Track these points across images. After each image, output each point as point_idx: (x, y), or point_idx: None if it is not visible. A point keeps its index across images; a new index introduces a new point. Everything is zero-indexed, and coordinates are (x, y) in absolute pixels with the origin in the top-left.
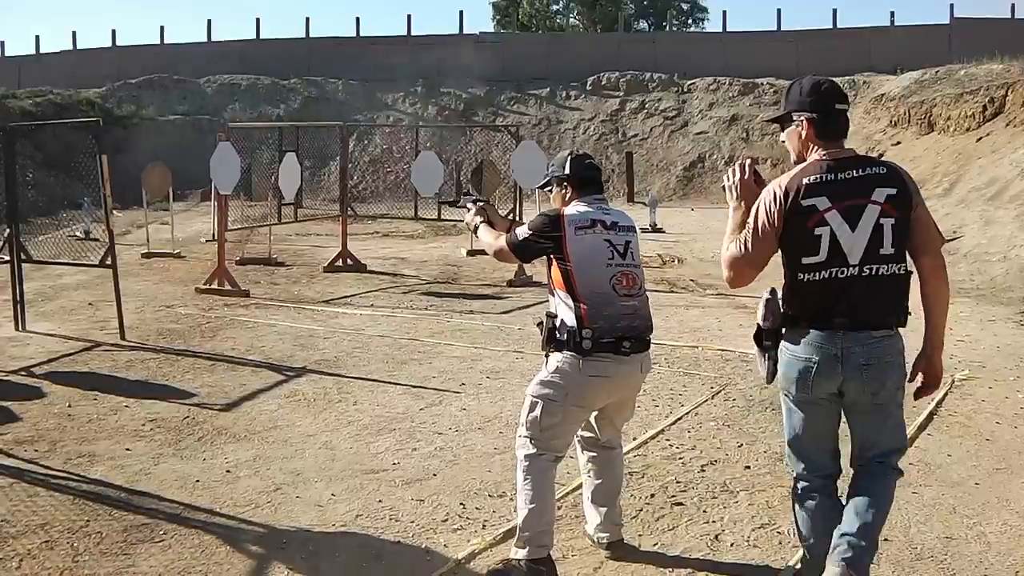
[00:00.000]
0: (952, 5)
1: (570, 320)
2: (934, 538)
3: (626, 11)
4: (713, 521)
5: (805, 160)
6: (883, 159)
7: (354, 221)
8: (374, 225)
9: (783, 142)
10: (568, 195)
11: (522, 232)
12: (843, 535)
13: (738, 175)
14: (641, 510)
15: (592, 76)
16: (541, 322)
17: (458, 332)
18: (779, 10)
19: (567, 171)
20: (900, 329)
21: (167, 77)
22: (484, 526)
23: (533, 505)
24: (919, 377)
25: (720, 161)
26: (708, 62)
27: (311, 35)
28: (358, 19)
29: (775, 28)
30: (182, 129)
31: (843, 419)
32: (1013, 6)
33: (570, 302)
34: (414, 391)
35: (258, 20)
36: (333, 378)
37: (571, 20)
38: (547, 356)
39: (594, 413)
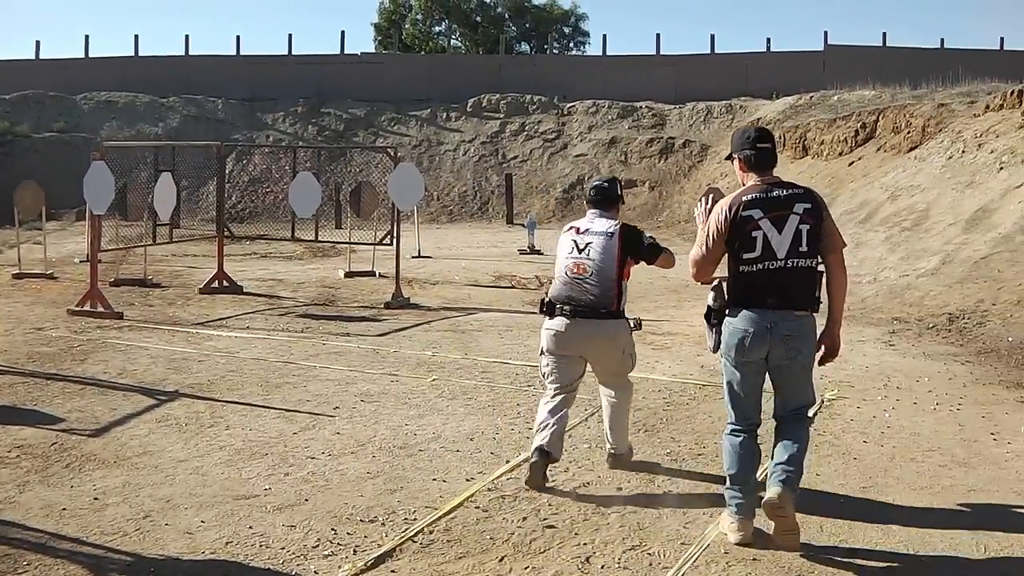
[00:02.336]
0: (826, 32)
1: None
2: (802, 556)
3: (508, 34)
4: (584, 543)
5: (745, 184)
6: (797, 183)
7: (232, 242)
8: (252, 246)
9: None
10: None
11: None
12: (777, 465)
13: (705, 204)
14: (513, 533)
15: (473, 98)
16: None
17: (334, 355)
18: (658, 35)
19: (588, 194)
20: (814, 314)
21: (42, 93)
22: (355, 551)
23: (540, 417)
24: (822, 348)
25: None
26: (588, 85)
27: (191, 53)
28: (238, 37)
29: (654, 52)
30: (57, 147)
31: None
32: (884, 34)
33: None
34: (288, 415)
35: (136, 37)
36: (206, 402)
37: (453, 42)
38: None
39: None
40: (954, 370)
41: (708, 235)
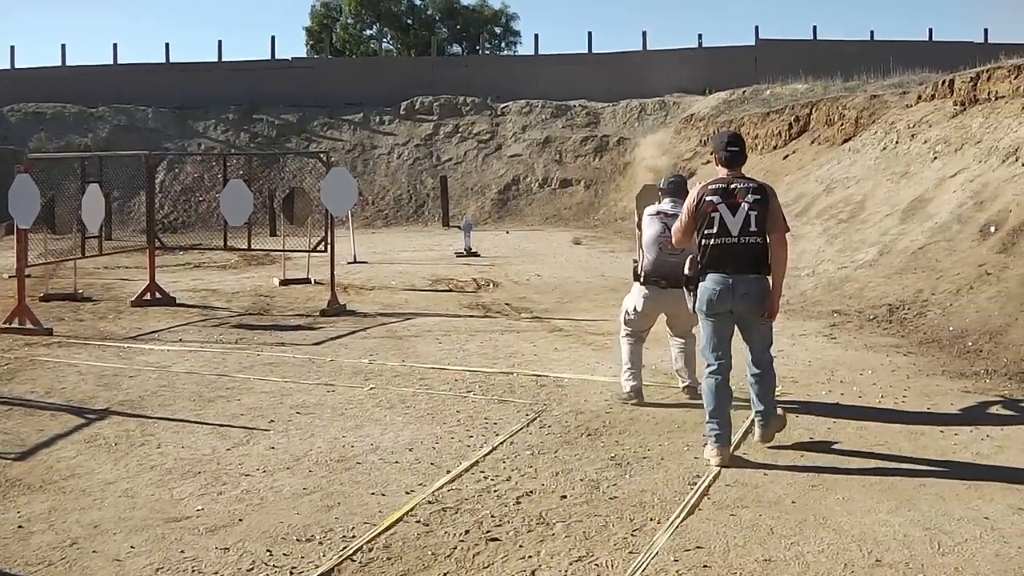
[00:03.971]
0: (757, 27)
1: (639, 263)
2: (753, 561)
3: (439, 36)
4: (530, 556)
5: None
6: (755, 179)
7: (164, 253)
8: (186, 256)
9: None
10: (662, 198)
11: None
12: (757, 413)
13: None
14: (455, 548)
15: (406, 101)
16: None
17: (268, 366)
18: (590, 33)
19: (661, 185)
20: (766, 277)
21: None
22: (292, 573)
23: (630, 360)
24: (764, 312)
25: (535, 183)
26: (521, 85)
27: (119, 61)
28: (167, 45)
29: (587, 51)
30: None
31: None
32: (815, 28)
33: (640, 254)
34: (221, 430)
35: (63, 47)
36: (137, 419)
37: (385, 45)
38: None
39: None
40: (897, 361)
41: (684, 213)
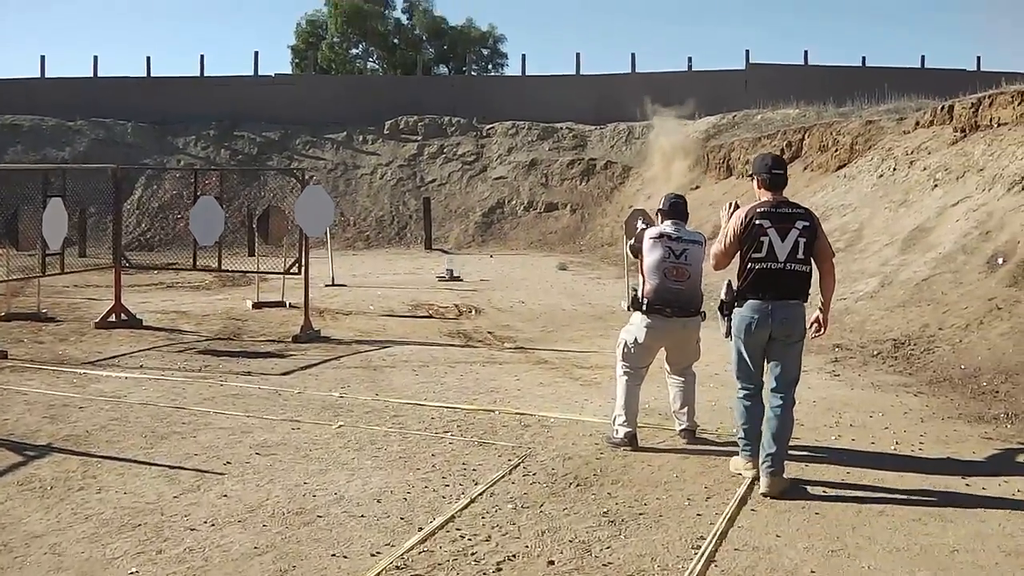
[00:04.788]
0: (747, 51)
1: (640, 291)
2: None
3: (425, 56)
4: None
5: (760, 199)
6: (800, 204)
7: (135, 271)
8: (159, 275)
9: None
10: (661, 219)
11: (631, 242)
12: (767, 455)
13: (729, 209)
14: None
15: (390, 120)
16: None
17: (231, 398)
18: (578, 54)
19: (660, 206)
20: (804, 304)
21: None
22: None
23: (626, 403)
24: (815, 325)
25: (520, 206)
26: (507, 106)
27: (99, 74)
28: (148, 58)
29: (574, 72)
30: None
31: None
32: (806, 53)
33: (641, 280)
34: (170, 473)
35: (43, 58)
36: (80, 458)
37: (370, 64)
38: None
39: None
40: (908, 403)
41: (727, 235)
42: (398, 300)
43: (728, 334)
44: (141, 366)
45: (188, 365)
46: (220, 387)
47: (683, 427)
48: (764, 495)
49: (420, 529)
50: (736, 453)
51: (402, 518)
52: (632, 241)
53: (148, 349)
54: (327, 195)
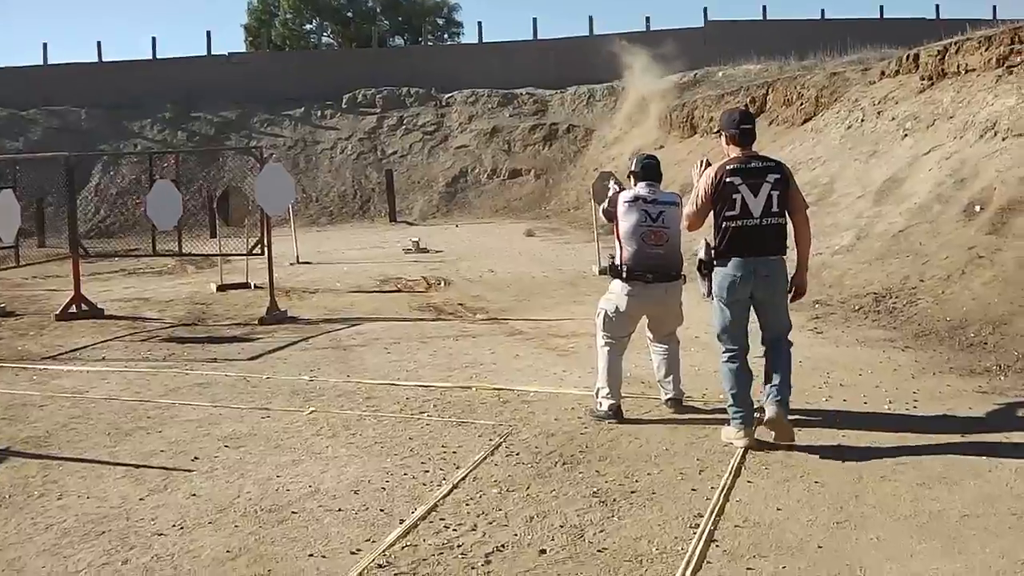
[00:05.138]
0: (705, 8)
1: (617, 258)
2: None
3: (381, 28)
4: None
5: (729, 156)
6: (771, 157)
7: (96, 260)
8: (120, 262)
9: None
10: (633, 182)
11: (604, 206)
12: (771, 387)
13: (700, 167)
14: None
15: (347, 94)
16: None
17: (197, 387)
18: (535, 19)
19: (632, 167)
20: (784, 257)
21: None
22: None
23: (608, 375)
24: (793, 289)
25: (483, 175)
26: (466, 75)
27: (49, 62)
28: (99, 43)
29: (532, 38)
30: None
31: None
32: (764, 7)
33: (618, 246)
34: (136, 473)
35: None
36: (39, 462)
37: (325, 40)
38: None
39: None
40: (896, 358)
41: (698, 195)
42: (365, 275)
43: (709, 294)
44: (103, 358)
45: (152, 354)
46: (185, 376)
47: (669, 396)
48: (768, 421)
49: (401, 521)
50: (726, 422)
51: (382, 510)
52: (605, 205)
53: (110, 340)
54: (286, 173)
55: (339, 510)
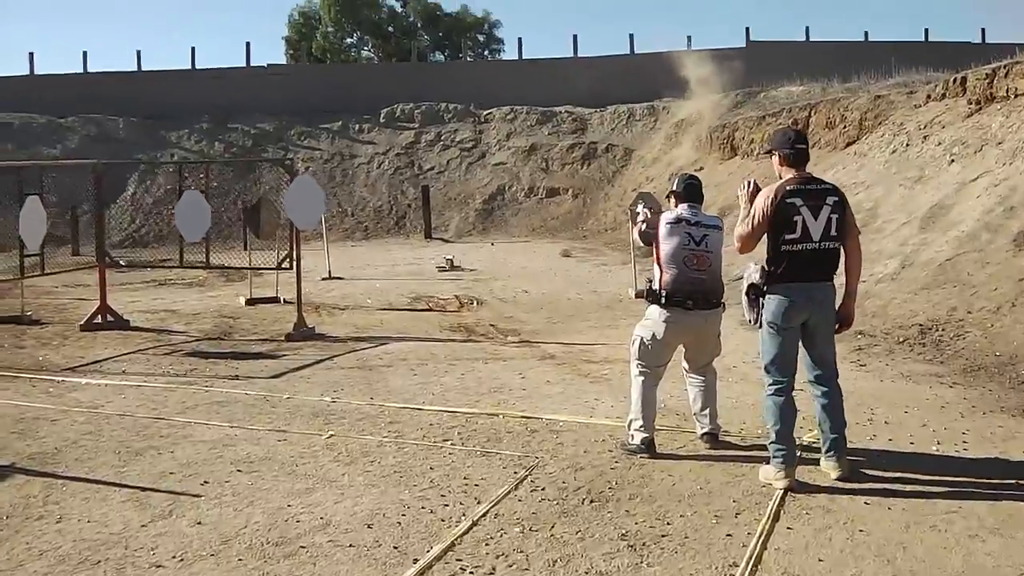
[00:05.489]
0: (748, 28)
1: (656, 282)
2: None
3: (421, 43)
4: None
5: (781, 178)
6: (824, 179)
7: (128, 270)
8: (152, 273)
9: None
10: (674, 202)
11: (642, 228)
12: (830, 439)
13: (748, 188)
14: None
15: (386, 108)
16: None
17: (215, 406)
18: (575, 36)
19: (674, 187)
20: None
21: None
22: None
23: (642, 406)
24: (840, 320)
25: (520, 193)
26: (505, 91)
27: (89, 70)
28: (139, 52)
29: (572, 55)
30: None
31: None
32: (807, 29)
33: (656, 270)
34: (141, 496)
35: (31, 55)
36: (44, 480)
37: (365, 54)
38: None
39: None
40: (943, 395)
41: (754, 216)
42: (397, 292)
43: (757, 322)
44: (123, 372)
45: (173, 369)
46: (205, 393)
47: (705, 431)
48: (839, 479)
49: (415, 561)
50: (764, 460)
51: (395, 547)
52: (642, 226)
53: (133, 352)
54: (317, 186)
55: (350, 546)
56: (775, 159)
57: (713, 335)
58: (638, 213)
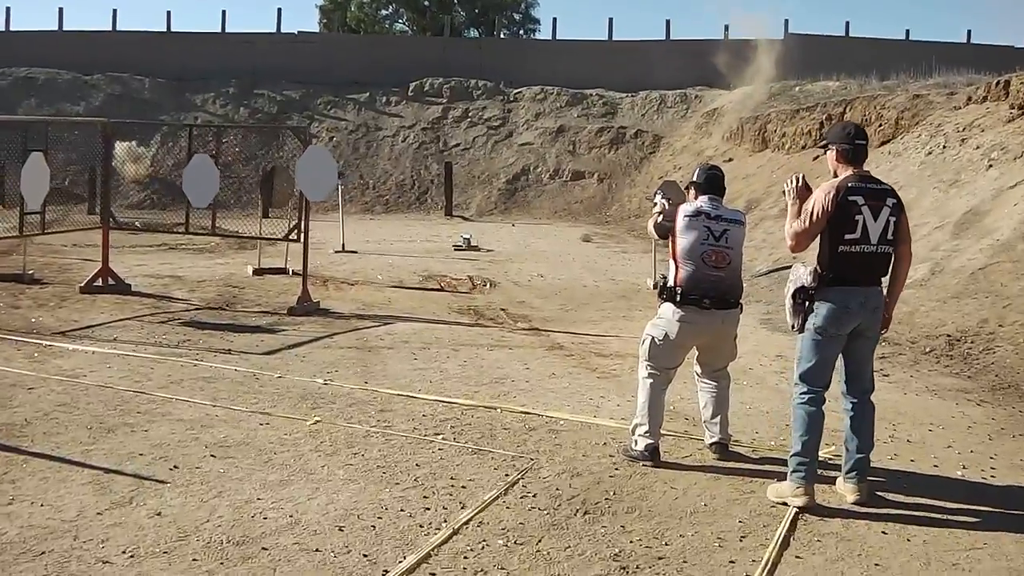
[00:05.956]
0: (787, 21)
1: (672, 279)
2: None
3: (456, 19)
4: None
5: (837, 175)
6: (882, 180)
7: (138, 232)
8: (163, 236)
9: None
10: (693, 194)
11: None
12: (854, 459)
13: (795, 183)
14: None
15: (414, 82)
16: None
17: (201, 381)
18: (611, 19)
19: (694, 178)
20: None
21: None
22: None
23: (648, 410)
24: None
25: (545, 174)
26: (536, 71)
27: (118, 28)
28: (169, 13)
29: (607, 38)
30: None
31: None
32: (848, 23)
33: (672, 266)
34: (104, 479)
35: (61, 11)
36: (5, 455)
37: (399, 26)
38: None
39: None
40: (970, 414)
41: (813, 212)
42: (409, 270)
43: (801, 328)
44: (115, 339)
45: (166, 339)
46: (193, 367)
47: (714, 440)
48: (856, 503)
49: (385, 573)
50: (776, 476)
51: (365, 555)
52: (658, 218)
53: (129, 319)
54: (331, 156)
55: (316, 550)
56: (831, 154)
57: (730, 337)
58: (656, 203)
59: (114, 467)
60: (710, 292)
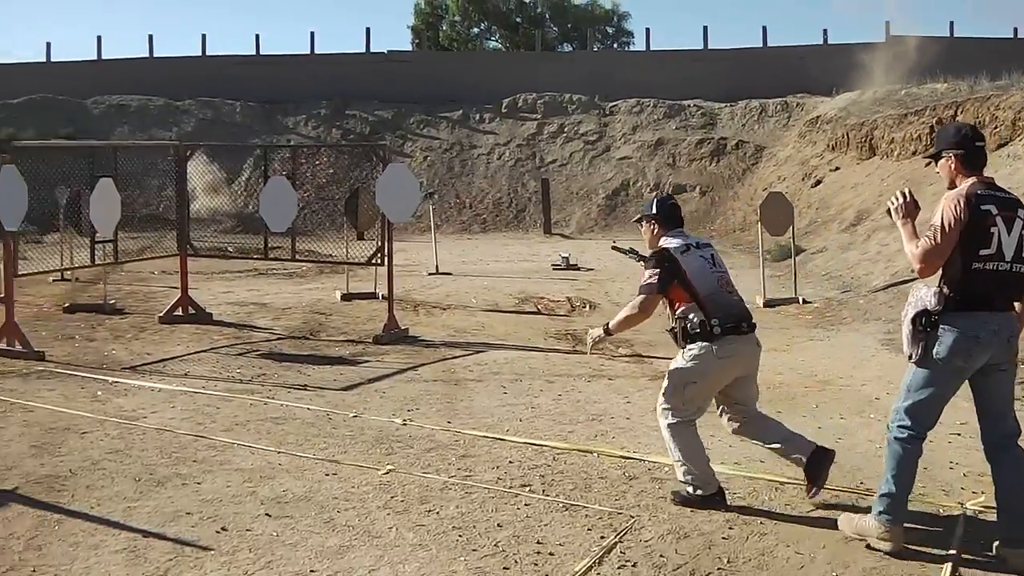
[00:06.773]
0: (887, 22)
1: (700, 317)
2: None
3: (548, 34)
4: None
5: (955, 185)
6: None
7: (231, 257)
8: (254, 262)
9: (937, 172)
10: (656, 230)
11: (647, 278)
12: (1010, 517)
13: (901, 200)
14: None
15: (507, 98)
16: (672, 327)
17: (268, 423)
18: (706, 28)
19: (654, 210)
20: None
21: (50, 97)
22: None
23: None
24: None
25: (645, 188)
26: (631, 83)
27: (207, 53)
28: (258, 36)
29: (702, 47)
30: None
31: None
32: (952, 23)
33: (695, 305)
34: (141, 544)
35: (151, 37)
36: (39, 514)
37: (492, 44)
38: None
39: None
40: None
41: (943, 226)
42: (505, 292)
43: (921, 359)
44: (186, 374)
45: (239, 374)
46: (263, 406)
47: (811, 450)
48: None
49: None
50: (919, 533)
51: None
52: (656, 273)
53: (205, 351)
54: (411, 175)
55: None
56: (948, 162)
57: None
58: (629, 258)
59: (155, 530)
60: (744, 315)
